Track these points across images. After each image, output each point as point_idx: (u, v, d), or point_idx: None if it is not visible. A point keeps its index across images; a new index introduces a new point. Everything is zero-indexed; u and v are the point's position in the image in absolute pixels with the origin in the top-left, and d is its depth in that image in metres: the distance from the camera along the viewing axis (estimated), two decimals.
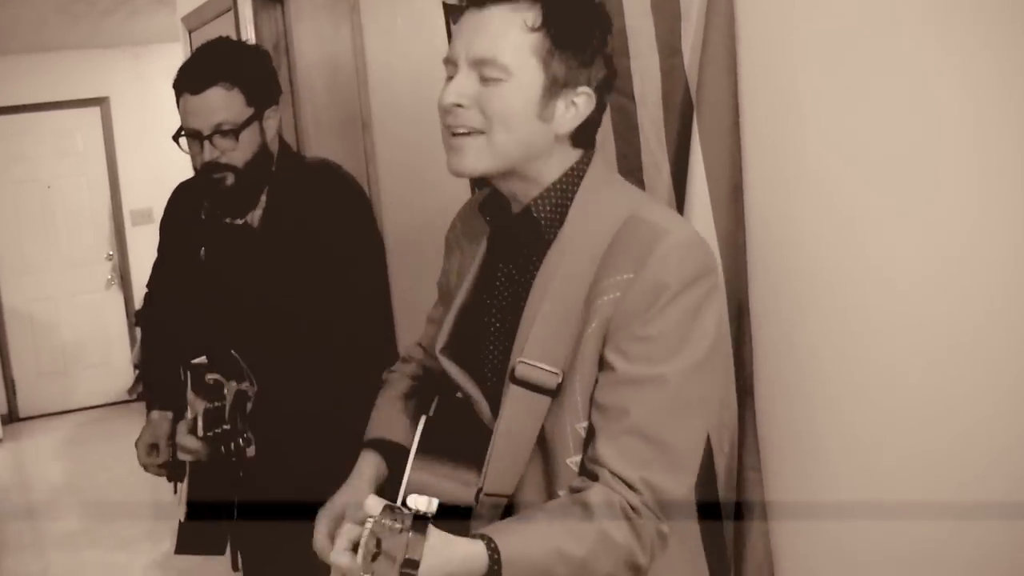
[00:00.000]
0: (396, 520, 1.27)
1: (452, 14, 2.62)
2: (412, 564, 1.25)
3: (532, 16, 1.52)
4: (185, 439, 2.43)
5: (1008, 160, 1.46)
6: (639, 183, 2.11)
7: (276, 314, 2.49)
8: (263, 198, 2.56)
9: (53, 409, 8.57)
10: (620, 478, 1.47)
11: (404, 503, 1.30)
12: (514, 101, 1.52)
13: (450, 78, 1.57)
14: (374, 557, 1.26)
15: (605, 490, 1.47)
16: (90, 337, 8.67)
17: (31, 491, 6.88)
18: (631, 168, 2.13)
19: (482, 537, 1.40)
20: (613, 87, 1.65)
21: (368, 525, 1.28)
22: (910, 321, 1.64)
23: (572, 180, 1.61)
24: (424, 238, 3.19)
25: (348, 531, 1.37)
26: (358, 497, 1.66)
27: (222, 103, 2.42)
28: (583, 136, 1.62)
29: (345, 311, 2.49)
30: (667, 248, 1.49)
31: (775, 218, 1.87)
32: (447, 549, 1.35)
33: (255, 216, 2.58)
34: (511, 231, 1.66)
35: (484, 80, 1.53)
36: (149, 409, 2.81)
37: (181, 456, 2.47)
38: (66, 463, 7.32)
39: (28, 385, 8.54)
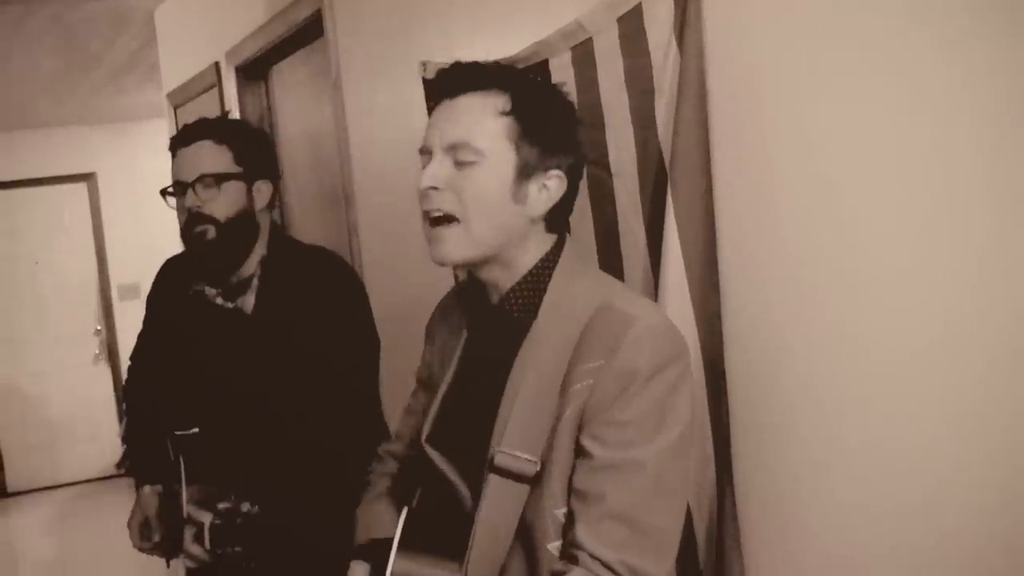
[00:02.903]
0: None
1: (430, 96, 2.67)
2: None
3: (502, 102, 1.58)
4: (192, 548, 2.39)
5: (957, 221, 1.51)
6: (616, 252, 2.15)
7: (267, 411, 2.44)
8: (255, 282, 2.54)
9: (42, 484, 8.52)
10: (600, 560, 1.48)
11: None
12: (488, 183, 1.57)
13: (425, 168, 1.62)
14: None
15: (584, 573, 1.48)
16: (78, 412, 8.63)
17: (20, 567, 6.81)
18: (608, 238, 2.16)
19: None
20: (583, 173, 1.70)
21: None
22: (888, 388, 1.66)
23: (545, 269, 1.64)
24: (408, 311, 3.21)
25: None
26: None
27: (208, 154, 2.47)
28: (556, 220, 1.66)
29: (338, 416, 2.43)
30: (637, 334, 1.51)
31: (749, 286, 1.90)
32: None
33: (247, 301, 2.55)
34: (488, 323, 1.69)
35: (458, 164, 1.58)
36: (138, 485, 2.77)
37: (186, 563, 2.43)
38: (55, 538, 7.25)
39: (17, 460, 8.49)
